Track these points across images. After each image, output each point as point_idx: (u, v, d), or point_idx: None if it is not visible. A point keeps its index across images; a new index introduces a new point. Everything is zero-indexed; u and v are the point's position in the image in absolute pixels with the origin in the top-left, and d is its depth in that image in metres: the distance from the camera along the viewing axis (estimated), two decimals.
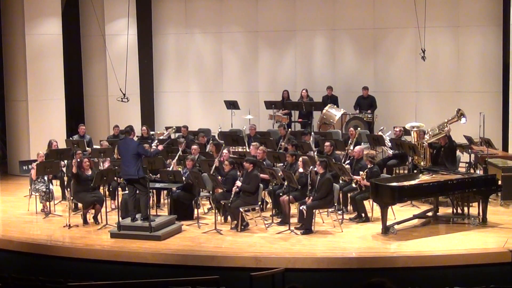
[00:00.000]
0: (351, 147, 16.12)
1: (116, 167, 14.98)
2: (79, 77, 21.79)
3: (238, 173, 14.48)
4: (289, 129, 18.86)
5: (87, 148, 17.52)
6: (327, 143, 15.85)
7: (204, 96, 22.78)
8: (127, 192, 14.81)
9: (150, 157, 14.56)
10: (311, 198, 13.61)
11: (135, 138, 14.29)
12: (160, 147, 14.64)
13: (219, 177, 14.55)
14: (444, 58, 20.27)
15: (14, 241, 13.64)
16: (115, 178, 14.93)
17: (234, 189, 13.99)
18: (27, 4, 19.47)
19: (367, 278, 4.86)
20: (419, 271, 11.84)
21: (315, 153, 16.54)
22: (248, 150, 16.82)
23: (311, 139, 17.67)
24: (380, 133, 17.27)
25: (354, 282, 5.00)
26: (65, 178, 16.35)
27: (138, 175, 13.36)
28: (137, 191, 13.53)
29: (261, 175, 14.38)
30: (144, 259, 12.55)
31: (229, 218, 14.25)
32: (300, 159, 14.31)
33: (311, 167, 14.12)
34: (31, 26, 19.61)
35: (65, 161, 16.38)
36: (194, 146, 16.34)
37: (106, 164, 15.87)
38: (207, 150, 17.16)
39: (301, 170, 14.11)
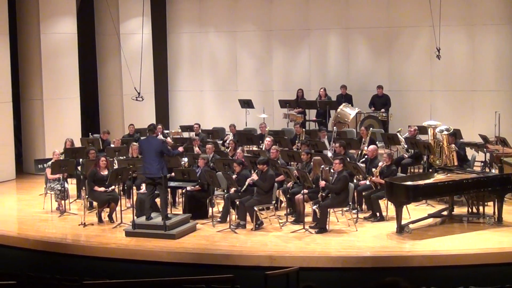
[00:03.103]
0: (366, 147, 16.09)
1: (131, 165, 15.02)
2: (94, 76, 21.86)
3: (250, 172, 14.47)
4: (303, 129, 18.84)
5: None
6: (336, 145, 15.83)
7: (219, 95, 22.81)
8: (141, 190, 14.86)
9: (172, 156, 14.62)
10: (323, 195, 13.60)
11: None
12: (181, 149, 14.66)
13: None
14: (459, 56, 20.19)
15: (30, 239, 13.70)
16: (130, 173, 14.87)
17: (249, 180, 13.99)
18: (42, 3, 19.53)
19: (382, 278, 4.86)
20: (434, 271, 11.80)
21: (332, 152, 16.56)
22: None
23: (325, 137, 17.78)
24: (398, 134, 17.20)
25: (368, 281, 5.00)
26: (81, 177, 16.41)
27: (163, 173, 13.39)
28: (155, 191, 13.55)
29: (276, 179, 14.41)
30: (159, 257, 12.57)
31: (235, 217, 14.18)
32: (313, 159, 14.30)
33: (322, 166, 14.10)
34: (46, 25, 19.68)
35: (81, 160, 16.44)
36: (209, 145, 16.37)
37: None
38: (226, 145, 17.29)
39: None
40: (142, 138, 14.71)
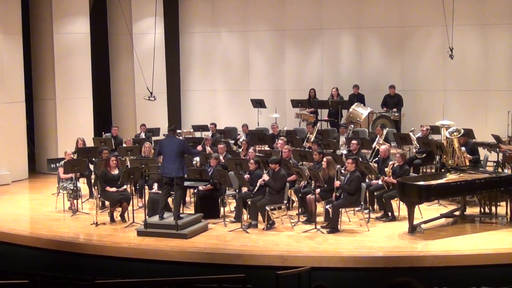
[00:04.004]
0: (381, 141, 16.20)
1: (143, 165, 15.05)
2: (107, 75, 21.92)
3: (263, 172, 14.45)
4: (316, 126, 18.82)
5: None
6: (353, 142, 15.79)
7: (231, 94, 22.81)
8: (153, 190, 14.88)
9: (193, 155, 14.85)
10: (337, 195, 13.58)
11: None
12: (200, 148, 14.75)
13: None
14: (472, 56, 20.12)
15: (42, 239, 13.75)
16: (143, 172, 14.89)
17: (260, 181, 13.97)
18: (55, 3, 19.61)
19: (394, 278, 4.85)
20: (446, 271, 11.77)
21: (344, 151, 16.55)
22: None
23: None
24: (410, 133, 17.15)
25: (380, 281, 4.99)
26: (93, 176, 16.45)
27: (183, 173, 13.44)
28: (172, 191, 13.55)
29: (288, 178, 14.39)
30: (171, 257, 12.59)
31: (245, 217, 14.17)
32: (325, 159, 14.27)
33: (338, 166, 14.08)
34: (59, 25, 19.75)
35: (93, 159, 16.50)
36: (221, 145, 16.38)
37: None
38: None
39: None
40: (155, 138, 14.65)
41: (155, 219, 13.69)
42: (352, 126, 18.69)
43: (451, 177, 14.04)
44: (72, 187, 15.38)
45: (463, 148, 15.51)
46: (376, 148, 16.31)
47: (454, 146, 15.59)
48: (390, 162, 14.46)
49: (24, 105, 19.49)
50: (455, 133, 15.60)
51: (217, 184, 14.59)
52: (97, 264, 12.87)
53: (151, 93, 16.01)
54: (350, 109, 19.69)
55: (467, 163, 15.33)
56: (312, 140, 17.56)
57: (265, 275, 11.48)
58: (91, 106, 20.48)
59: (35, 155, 20.59)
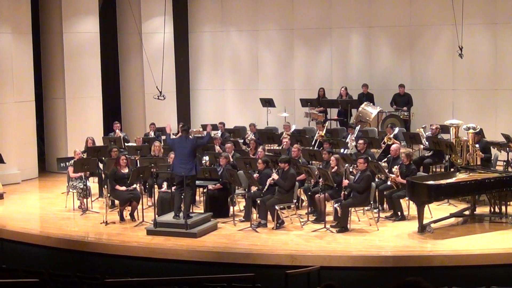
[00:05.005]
0: (390, 136, 16.27)
1: (152, 164, 15.07)
2: (116, 75, 21.96)
3: (272, 171, 14.45)
4: (326, 123, 18.86)
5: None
6: (360, 141, 15.78)
7: (240, 94, 22.81)
8: (163, 189, 14.90)
9: (206, 143, 14.95)
10: (346, 194, 13.56)
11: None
12: (209, 128, 14.69)
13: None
14: (481, 55, 20.06)
15: (52, 238, 13.79)
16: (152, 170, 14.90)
17: (269, 180, 13.97)
18: (65, 2, 19.66)
19: (403, 277, 4.84)
20: (456, 270, 11.75)
21: (352, 150, 16.54)
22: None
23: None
24: (421, 129, 17.14)
25: (389, 280, 4.98)
26: (102, 175, 16.48)
27: (196, 172, 13.47)
28: (182, 190, 13.56)
29: (298, 178, 14.38)
30: (180, 256, 12.60)
31: (255, 216, 14.17)
32: (333, 157, 14.25)
33: (346, 165, 14.06)
34: (69, 24, 19.80)
35: (103, 158, 16.53)
36: (228, 144, 16.39)
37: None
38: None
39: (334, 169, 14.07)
40: (175, 138, 14.51)
41: (164, 218, 13.71)
42: (358, 126, 18.66)
43: (461, 176, 14.01)
44: (81, 186, 15.42)
45: (476, 145, 15.49)
46: (386, 143, 16.37)
47: (469, 142, 15.55)
48: (406, 164, 14.43)
49: (34, 104, 19.55)
50: (471, 130, 15.58)
51: (227, 183, 14.59)
52: (107, 263, 12.90)
53: (161, 92, 16.05)
54: (360, 108, 19.66)
55: (479, 161, 15.30)
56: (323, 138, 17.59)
57: (274, 274, 11.48)
58: (100, 105, 20.52)
59: (45, 154, 20.65)
